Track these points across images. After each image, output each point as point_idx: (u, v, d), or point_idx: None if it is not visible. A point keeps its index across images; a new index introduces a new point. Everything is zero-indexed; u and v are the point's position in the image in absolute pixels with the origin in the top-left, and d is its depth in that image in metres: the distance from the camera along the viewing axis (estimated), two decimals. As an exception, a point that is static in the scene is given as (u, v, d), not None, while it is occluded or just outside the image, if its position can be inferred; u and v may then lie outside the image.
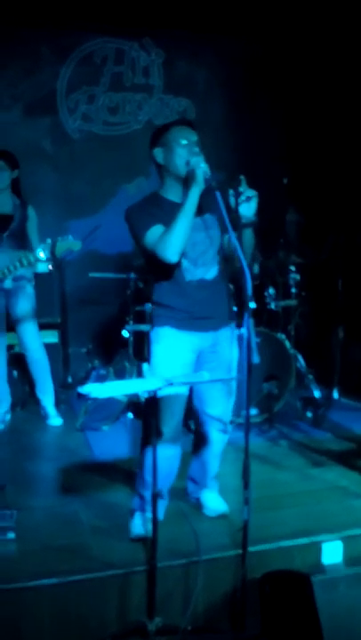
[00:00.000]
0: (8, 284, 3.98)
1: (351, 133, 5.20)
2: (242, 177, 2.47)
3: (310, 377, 4.55)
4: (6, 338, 4.24)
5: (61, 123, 5.37)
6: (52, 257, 3.26)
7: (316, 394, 4.46)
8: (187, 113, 5.60)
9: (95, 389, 1.99)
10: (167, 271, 2.59)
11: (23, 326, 4.18)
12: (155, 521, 2.27)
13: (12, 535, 2.69)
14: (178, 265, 2.57)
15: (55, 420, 4.29)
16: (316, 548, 2.69)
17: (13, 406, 4.42)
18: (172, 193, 2.61)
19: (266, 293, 4.49)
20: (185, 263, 2.59)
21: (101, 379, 4.77)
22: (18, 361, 4.48)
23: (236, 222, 2.48)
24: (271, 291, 4.51)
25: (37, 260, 3.65)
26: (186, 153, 2.50)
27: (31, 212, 4.14)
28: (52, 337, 4.88)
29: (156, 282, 2.67)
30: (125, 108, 5.51)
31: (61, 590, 2.42)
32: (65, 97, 5.35)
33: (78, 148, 5.40)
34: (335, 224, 5.26)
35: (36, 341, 4.24)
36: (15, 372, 4.67)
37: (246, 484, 2.29)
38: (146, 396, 2.25)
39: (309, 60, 5.52)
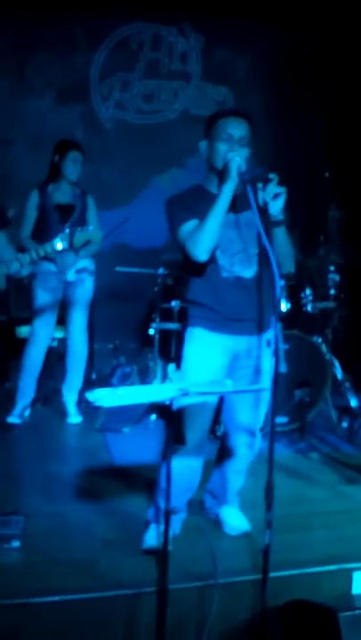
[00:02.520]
0: (71, 276, 3.99)
1: None
2: (273, 175, 2.28)
3: (347, 384, 4.29)
4: (54, 329, 4.18)
5: (94, 110, 5.24)
6: (71, 247, 3.09)
7: (353, 403, 4.19)
8: (225, 102, 5.39)
9: (101, 397, 1.78)
10: (203, 267, 2.47)
11: (73, 317, 4.16)
12: (166, 539, 2.07)
13: (16, 544, 2.54)
14: (214, 261, 2.45)
15: (75, 418, 4.17)
16: (345, 576, 2.46)
17: (34, 402, 4.30)
18: (214, 186, 2.48)
19: (302, 294, 4.24)
20: (221, 259, 2.46)
21: (126, 377, 4.60)
22: (50, 355, 4.36)
23: (266, 220, 2.32)
24: (308, 291, 4.25)
25: (54, 250, 3.50)
26: (225, 148, 2.37)
27: (90, 201, 4.12)
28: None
29: (190, 278, 2.54)
30: (161, 96, 5.34)
31: (64, 609, 2.24)
32: (98, 83, 5.21)
33: (111, 136, 5.26)
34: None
35: (81, 334, 4.20)
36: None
37: (269, 506, 2.06)
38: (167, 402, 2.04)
39: (357, 50, 5.25)
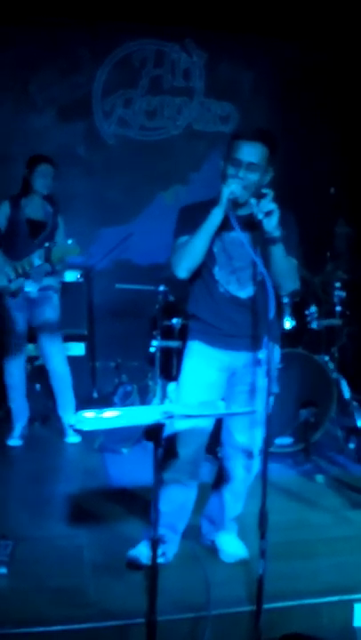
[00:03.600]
0: (33, 293, 3.87)
1: None
2: (267, 190, 2.24)
3: (355, 404, 4.16)
4: (26, 349, 4.07)
5: (96, 127, 5.22)
6: (49, 263, 3.01)
7: (360, 423, 4.06)
8: (230, 118, 5.34)
9: (82, 421, 1.70)
10: (202, 281, 2.48)
11: (46, 338, 4.03)
12: (154, 570, 1.96)
13: (3, 570, 2.45)
14: (212, 276, 2.44)
15: (73, 437, 4.08)
16: (347, 608, 2.33)
17: (32, 421, 4.24)
18: None
19: (307, 311, 4.14)
20: (218, 275, 2.43)
21: (127, 395, 4.52)
22: (41, 374, 4.30)
23: (262, 238, 2.28)
24: (313, 309, 4.15)
25: (32, 266, 3.44)
26: (233, 172, 2.31)
27: (60, 221, 4.03)
28: (79, 349, 4.72)
29: (192, 291, 2.55)
30: (164, 113, 5.31)
31: (50, 640, 2.13)
32: (101, 100, 5.19)
33: (113, 153, 5.22)
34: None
35: (59, 354, 4.08)
36: (38, 386, 4.49)
37: (263, 534, 1.94)
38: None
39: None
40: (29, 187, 3.89)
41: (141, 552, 2.47)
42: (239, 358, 2.46)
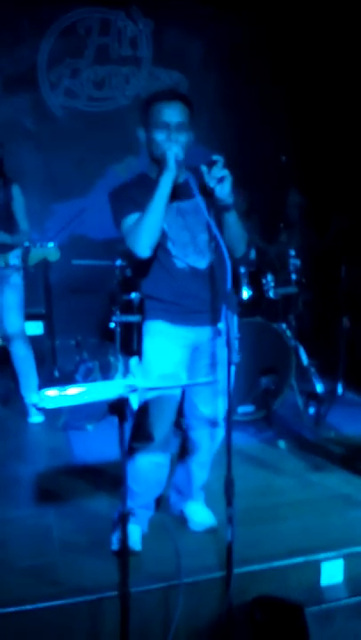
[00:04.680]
0: (13, 262, 3.74)
1: (355, 110, 4.87)
2: (217, 157, 2.17)
3: (312, 370, 4.26)
4: None
5: (43, 99, 5.08)
6: (24, 264, 2.94)
7: (319, 388, 4.18)
8: (179, 87, 5.28)
9: (46, 398, 1.68)
10: (156, 260, 2.36)
11: (7, 318, 3.92)
12: (125, 541, 1.98)
13: (-29, 554, 2.41)
14: (167, 252, 2.35)
15: (36, 417, 4.03)
16: (313, 568, 2.41)
17: (-6, 403, 4.17)
18: (156, 172, 2.32)
19: (264, 280, 4.17)
20: (173, 250, 2.36)
21: (89, 373, 4.49)
22: (1, 355, 4.21)
23: (215, 205, 2.24)
24: (270, 278, 4.18)
25: (7, 265, 3.36)
26: (162, 137, 2.25)
27: (16, 190, 3.86)
28: (37, 328, 4.65)
29: (144, 271, 2.41)
30: (112, 82, 5.20)
31: (22, 619, 2.14)
32: (46, 71, 5.05)
33: (62, 125, 5.10)
34: (339, 206, 4.96)
35: (17, 332, 3.98)
36: (-4, 367, 4.42)
37: (230, 501, 1.98)
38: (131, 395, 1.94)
39: (313, 34, 5.23)
40: None
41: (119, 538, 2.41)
42: (203, 333, 2.43)
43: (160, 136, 2.25)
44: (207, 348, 2.45)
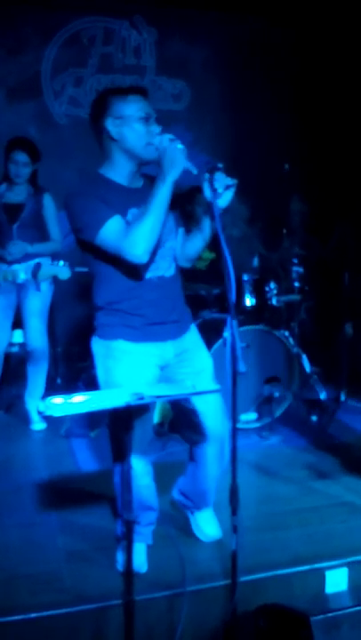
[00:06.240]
0: (22, 277, 3.67)
1: (359, 117, 4.88)
2: (220, 164, 2.12)
3: (315, 377, 4.25)
4: (9, 334, 4.05)
5: (47, 107, 5.08)
6: (35, 279, 2.93)
7: (322, 396, 4.17)
8: (182, 95, 5.29)
9: (52, 406, 1.68)
10: (125, 267, 2.16)
11: (30, 324, 3.98)
12: (129, 550, 1.96)
13: (-24, 561, 2.41)
14: (135, 264, 2.15)
15: (38, 424, 4.04)
16: (318, 576, 2.41)
17: (-4, 410, 4.19)
18: (118, 174, 2.21)
19: (267, 288, 4.17)
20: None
21: (92, 380, 4.48)
22: (5, 361, 4.22)
23: (209, 211, 2.14)
24: (272, 285, 4.19)
25: (15, 280, 3.39)
26: (146, 131, 2.14)
27: (47, 200, 3.91)
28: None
29: (103, 281, 2.21)
30: (115, 91, 5.19)
31: (28, 627, 2.13)
32: (50, 80, 5.06)
33: (65, 133, 5.09)
34: (342, 213, 4.97)
35: (41, 341, 4.02)
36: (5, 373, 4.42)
37: (234, 510, 1.97)
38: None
39: (316, 43, 5.24)
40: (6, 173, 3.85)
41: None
42: (167, 349, 2.27)
43: (143, 130, 2.13)
44: (177, 365, 2.31)
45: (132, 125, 2.14)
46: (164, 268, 2.27)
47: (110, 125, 2.15)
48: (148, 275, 2.22)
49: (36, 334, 4.00)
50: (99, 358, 2.28)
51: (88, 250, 2.20)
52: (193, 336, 2.41)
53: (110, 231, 2.08)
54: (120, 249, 2.09)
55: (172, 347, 2.30)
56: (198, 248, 2.31)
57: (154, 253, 2.18)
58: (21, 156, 3.81)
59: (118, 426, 2.13)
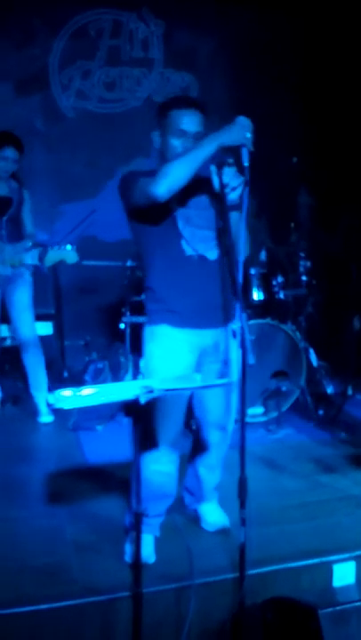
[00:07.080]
0: (7, 270, 3.77)
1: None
2: (230, 160, 2.14)
3: (323, 372, 4.24)
4: None
5: (54, 100, 5.08)
6: (41, 264, 2.94)
7: (329, 390, 4.17)
8: (190, 88, 5.27)
9: (62, 399, 1.68)
10: (163, 242, 2.25)
11: (19, 316, 3.97)
12: (138, 543, 1.97)
13: (-16, 553, 2.43)
14: (176, 233, 2.24)
15: (46, 417, 4.05)
16: (326, 569, 2.40)
17: (4, 402, 4.19)
18: None
19: (274, 282, 4.17)
20: (185, 231, 2.26)
21: (98, 373, 4.50)
22: (10, 354, 4.24)
23: (222, 204, 2.19)
24: (280, 279, 4.18)
25: (21, 264, 3.39)
26: (180, 145, 2.23)
27: (26, 195, 3.99)
28: (47, 329, 4.66)
29: (150, 261, 2.31)
30: (123, 84, 5.20)
31: (36, 619, 2.14)
32: (58, 72, 5.06)
33: (73, 126, 5.10)
34: (349, 206, 4.94)
35: (31, 333, 4.02)
36: (7, 366, 4.44)
37: (243, 503, 1.98)
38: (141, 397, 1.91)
39: (324, 35, 5.22)
40: None
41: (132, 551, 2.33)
42: (208, 336, 2.33)
43: (177, 143, 2.24)
44: (214, 352, 2.37)
45: (168, 138, 2.25)
46: (205, 250, 2.29)
47: (155, 135, 2.30)
48: (189, 252, 2.26)
49: (28, 326, 3.99)
50: (146, 343, 2.36)
51: (136, 219, 2.26)
52: (232, 327, 2.35)
53: (141, 185, 2.13)
54: (145, 190, 2.10)
55: (212, 335, 2.34)
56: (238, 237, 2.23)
57: (194, 231, 2.24)
58: (11, 152, 3.83)
59: (145, 417, 2.19)
